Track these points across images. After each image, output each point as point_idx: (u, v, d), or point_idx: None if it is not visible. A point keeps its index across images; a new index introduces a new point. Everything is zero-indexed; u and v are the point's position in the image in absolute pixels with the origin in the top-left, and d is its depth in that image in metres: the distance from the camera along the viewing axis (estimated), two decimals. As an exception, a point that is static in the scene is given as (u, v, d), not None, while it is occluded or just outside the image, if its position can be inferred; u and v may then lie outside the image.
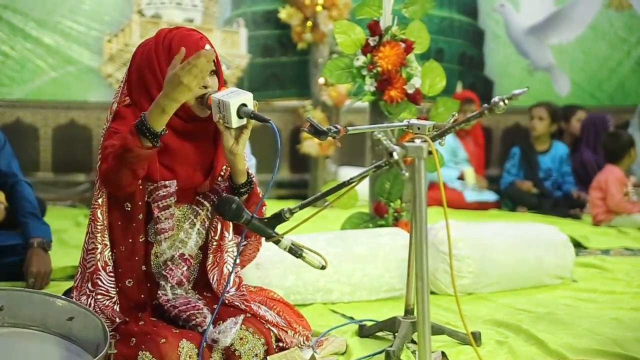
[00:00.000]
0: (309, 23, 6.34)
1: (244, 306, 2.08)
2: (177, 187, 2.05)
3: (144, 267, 2.09)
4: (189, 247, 2.11)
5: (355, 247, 3.03)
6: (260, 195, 2.14)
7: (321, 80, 6.19)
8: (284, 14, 6.41)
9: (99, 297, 2.02)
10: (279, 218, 1.93)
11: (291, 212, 1.93)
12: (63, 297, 1.83)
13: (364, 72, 3.30)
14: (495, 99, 1.98)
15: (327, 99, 6.32)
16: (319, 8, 6.23)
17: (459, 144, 6.47)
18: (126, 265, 2.06)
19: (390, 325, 2.43)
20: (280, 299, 2.27)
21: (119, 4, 6.35)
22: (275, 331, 2.07)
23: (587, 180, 5.82)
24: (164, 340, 1.87)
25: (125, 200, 2.04)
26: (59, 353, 1.75)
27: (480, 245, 3.14)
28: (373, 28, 3.29)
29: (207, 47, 1.89)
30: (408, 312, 2.39)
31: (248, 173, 2.12)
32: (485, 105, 2.03)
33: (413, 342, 2.33)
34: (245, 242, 2.25)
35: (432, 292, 3.06)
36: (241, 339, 1.97)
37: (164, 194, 2.04)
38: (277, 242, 1.94)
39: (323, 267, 1.94)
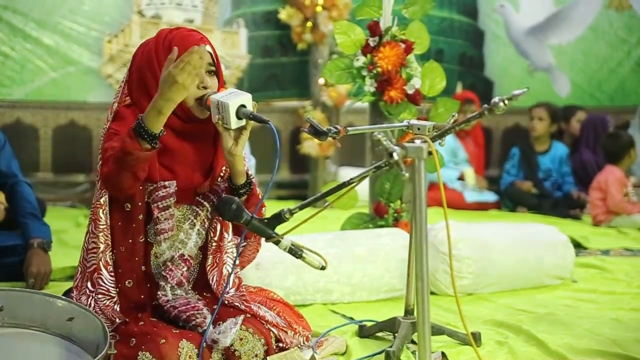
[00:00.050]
0: (309, 24, 6.34)
1: (244, 306, 2.08)
2: (176, 188, 2.06)
3: (143, 268, 2.09)
4: (188, 247, 2.11)
5: (355, 247, 3.03)
6: (260, 197, 2.14)
7: (321, 80, 6.19)
8: (284, 14, 6.42)
9: (100, 296, 2.02)
10: (278, 218, 1.93)
11: (291, 212, 1.93)
12: (63, 297, 1.83)
13: (364, 73, 3.30)
14: (495, 99, 1.98)
15: (327, 99, 6.33)
16: (319, 8, 6.23)
17: (459, 145, 6.47)
18: (126, 265, 2.06)
19: (390, 325, 2.42)
20: (280, 300, 2.27)
21: (119, 5, 6.35)
22: (275, 331, 2.07)
23: (587, 181, 5.82)
24: (164, 340, 1.87)
25: (125, 201, 2.04)
26: (59, 353, 1.74)
27: (480, 246, 3.14)
28: (373, 28, 3.29)
29: (205, 46, 1.89)
30: (408, 312, 2.39)
31: (247, 174, 2.12)
32: (485, 105, 2.03)
33: (413, 342, 2.32)
34: (244, 243, 2.25)
35: (432, 293, 3.06)
36: (241, 339, 1.97)
37: (164, 194, 2.04)
38: (277, 243, 1.94)
39: (323, 268, 1.94)
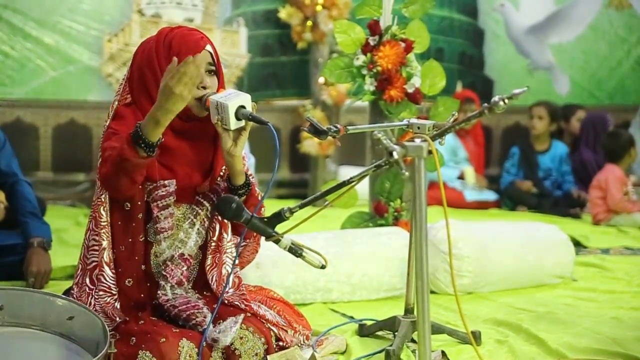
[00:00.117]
0: (309, 22, 6.34)
1: (244, 305, 2.08)
2: (176, 187, 2.05)
3: (143, 267, 2.08)
4: (188, 246, 2.11)
5: (355, 246, 3.03)
6: (259, 197, 2.14)
7: (321, 79, 6.19)
8: (284, 13, 6.41)
9: (101, 293, 2.01)
10: (278, 217, 1.93)
11: (291, 211, 1.93)
12: (63, 296, 1.83)
13: (364, 72, 3.30)
14: (495, 98, 1.98)
15: (327, 98, 6.32)
16: (319, 7, 6.23)
17: (459, 144, 6.47)
18: (126, 264, 2.06)
19: (390, 324, 2.42)
20: (280, 299, 2.27)
21: (119, 4, 6.35)
22: (275, 330, 2.07)
23: (586, 180, 5.82)
24: (164, 339, 1.87)
25: (125, 200, 2.04)
26: (59, 352, 1.75)
27: (480, 245, 3.14)
28: (373, 27, 3.29)
29: (197, 56, 1.87)
30: (408, 311, 2.39)
31: (247, 174, 2.11)
32: (485, 104, 2.03)
33: (413, 341, 2.33)
34: (244, 243, 2.25)
35: (432, 292, 3.06)
36: (241, 338, 1.97)
37: (163, 193, 2.04)
38: (277, 242, 1.94)
39: (323, 267, 1.94)
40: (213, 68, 2.07)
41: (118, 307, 2.02)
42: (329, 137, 2.17)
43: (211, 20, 6.61)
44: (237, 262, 2.18)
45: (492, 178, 6.67)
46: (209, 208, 2.13)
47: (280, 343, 2.06)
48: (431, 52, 6.35)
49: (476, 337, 2.36)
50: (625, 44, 7.67)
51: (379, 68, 3.25)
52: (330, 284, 2.93)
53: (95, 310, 1.95)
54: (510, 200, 6.21)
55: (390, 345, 2.22)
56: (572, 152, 6.30)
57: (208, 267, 2.13)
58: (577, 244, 4.15)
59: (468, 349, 2.29)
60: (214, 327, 1.96)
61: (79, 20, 6.25)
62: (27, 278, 3.01)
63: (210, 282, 2.12)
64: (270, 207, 2.06)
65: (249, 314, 2.05)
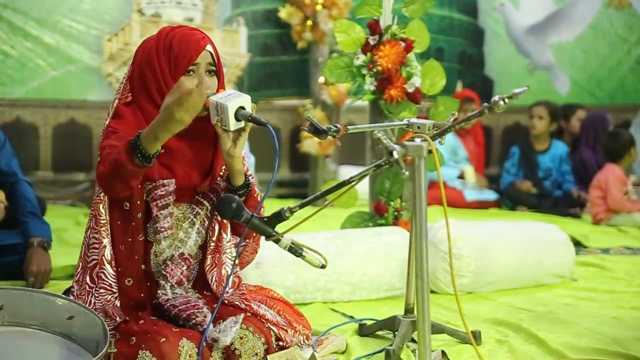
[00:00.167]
0: (309, 22, 6.34)
1: (244, 305, 2.08)
2: (175, 186, 2.05)
3: (143, 266, 2.08)
4: (188, 246, 2.11)
5: (355, 246, 3.03)
6: (259, 198, 2.14)
7: (321, 79, 6.19)
8: (284, 13, 6.42)
9: (102, 291, 2.01)
10: (278, 217, 1.93)
11: (291, 211, 1.93)
12: (63, 296, 1.83)
13: (364, 71, 3.30)
14: (495, 97, 1.98)
15: (327, 98, 6.33)
16: (319, 7, 6.23)
17: (459, 143, 6.47)
18: (126, 264, 2.06)
19: (390, 324, 2.42)
20: (280, 298, 2.27)
21: (119, 3, 6.35)
22: (276, 330, 2.06)
23: (587, 180, 5.81)
24: (164, 339, 1.86)
25: (124, 200, 2.04)
26: (59, 352, 1.74)
27: (480, 245, 3.14)
28: (373, 27, 3.29)
29: (204, 84, 1.90)
30: (408, 311, 2.39)
31: (246, 175, 2.11)
32: (485, 104, 2.03)
33: (413, 341, 2.32)
34: (244, 243, 2.25)
35: (432, 291, 3.06)
36: (241, 338, 1.96)
37: (163, 192, 2.04)
38: (277, 241, 1.93)
39: (323, 266, 1.94)
40: (213, 68, 2.07)
41: (118, 305, 2.02)
42: (329, 137, 2.17)
43: (211, 20, 6.61)
44: (237, 262, 2.18)
45: (492, 178, 6.67)
46: (209, 208, 2.12)
47: (281, 343, 2.06)
48: (431, 52, 6.35)
49: (476, 336, 2.35)
50: (625, 43, 7.67)
51: (379, 68, 3.25)
52: (330, 283, 2.93)
53: (96, 308, 1.95)
54: (510, 200, 6.21)
55: (390, 345, 2.21)
56: (572, 152, 6.30)
57: (208, 267, 2.13)
58: (577, 244, 4.15)
59: (468, 349, 2.29)
60: (214, 326, 1.96)
61: (79, 19, 6.25)
62: (27, 278, 3.01)
63: (210, 282, 2.12)
64: (270, 206, 2.06)
65: (249, 314, 2.05)
